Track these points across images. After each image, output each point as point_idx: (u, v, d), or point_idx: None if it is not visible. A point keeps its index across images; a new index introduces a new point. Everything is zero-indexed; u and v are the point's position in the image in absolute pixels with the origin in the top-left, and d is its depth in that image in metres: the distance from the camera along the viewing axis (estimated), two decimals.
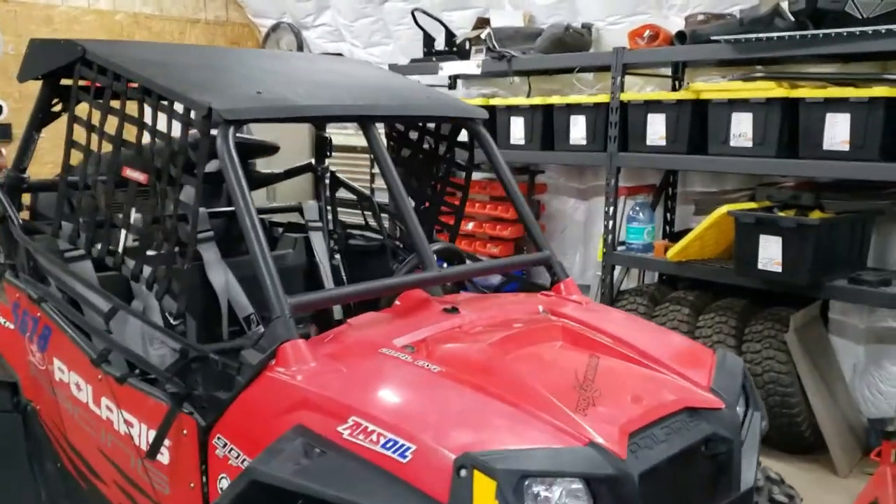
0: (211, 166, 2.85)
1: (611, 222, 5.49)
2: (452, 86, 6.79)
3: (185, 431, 2.63)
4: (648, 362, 2.69)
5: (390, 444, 2.12)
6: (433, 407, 2.29)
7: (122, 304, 2.93)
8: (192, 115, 2.72)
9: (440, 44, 6.73)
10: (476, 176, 3.98)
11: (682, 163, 5.22)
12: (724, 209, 4.72)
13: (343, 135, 7.31)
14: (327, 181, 4.45)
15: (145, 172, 2.87)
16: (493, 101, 6.06)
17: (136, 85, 2.91)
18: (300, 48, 8.40)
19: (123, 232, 2.96)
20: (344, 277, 4.34)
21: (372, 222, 4.44)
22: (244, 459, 2.43)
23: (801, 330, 4.79)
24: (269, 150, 4.38)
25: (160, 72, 2.88)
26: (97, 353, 2.88)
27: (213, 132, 2.68)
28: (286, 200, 4.81)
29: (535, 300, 3.17)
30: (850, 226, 4.64)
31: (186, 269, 2.79)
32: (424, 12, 6.76)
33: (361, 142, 7.37)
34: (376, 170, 7.44)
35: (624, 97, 5.29)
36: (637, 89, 5.90)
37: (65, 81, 3.32)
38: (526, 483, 2.03)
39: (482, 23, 6.52)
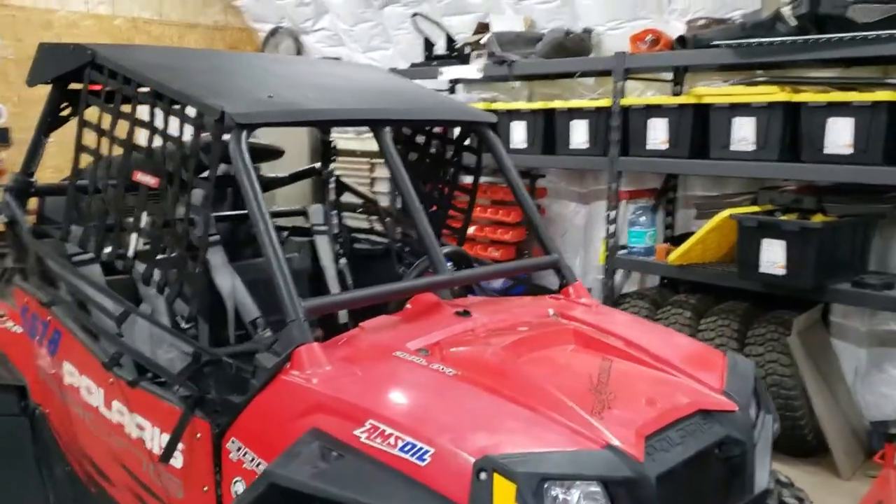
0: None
1: (612, 226, 5.51)
2: (452, 90, 6.82)
3: (198, 435, 2.62)
4: (660, 365, 2.70)
5: (408, 447, 2.12)
6: (450, 410, 2.29)
7: (136, 309, 2.93)
8: (204, 119, 2.72)
9: (440, 48, 6.75)
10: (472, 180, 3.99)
11: (684, 167, 5.23)
12: (726, 213, 4.74)
13: (343, 139, 7.31)
14: (332, 185, 4.45)
15: (156, 176, 2.87)
16: (493, 106, 6.07)
17: (146, 89, 2.91)
18: (299, 53, 8.40)
19: (134, 235, 2.96)
20: (349, 281, 4.34)
21: (377, 226, 4.44)
22: (259, 463, 2.43)
23: (804, 333, 4.80)
24: (275, 154, 4.39)
25: (171, 76, 2.88)
26: (108, 356, 2.88)
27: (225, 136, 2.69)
28: (284, 204, 4.81)
29: (545, 303, 3.18)
30: (853, 229, 4.66)
31: (198, 273, 2.78)
32: (425, 17, 6.77)
33: (361, 146, 7.39)
34: (375, 174, 7.45)
35: (625, 102, 5.31)
36: (637, 94, 5.91)
37: (73, 85, 3.32)
38: (545, 486, 2.04)
39: (483, 27, 6.54)
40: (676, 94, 5.70)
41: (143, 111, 2.96)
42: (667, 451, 2.25)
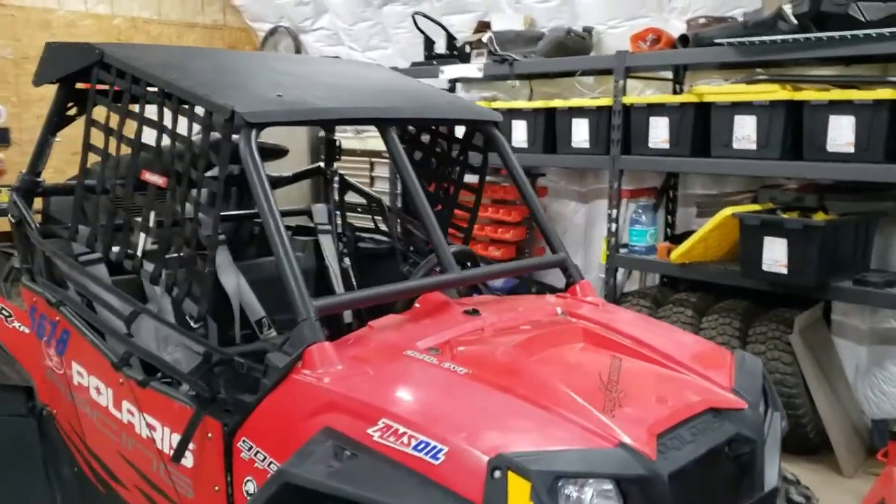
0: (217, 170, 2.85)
1: (614, 225, 5.52)
2: (452, 89, 6.82)
3: (209, 435, 2.63)
4: (670, 363, 2.71)
5: (422, 445, 2.13)
6: (462, 408, 2.29)
7: (146, 309, 2.94)
8: (214, 118, 2.72)
9: (440, 47, 6.75)
10: (474, 179, 3.99)
11: (686, 165, 5.25)
12: (728, 211, 4.75)
13: (343, 138, 7.30)
14: (336, 184, 4.46)
15: (165, 176, 2.87)
16: (494, 105, 6.08)
17: (154, 88, 2.91)
18: (298, 52, 8.40)
19: (143, 235, 2.96)
20: (353, 281, 4.35)
21: (381, 225, 4.44)
22: (271, 462, 2.43)
23: (806, 331, 4.82)
24: (280, 153, 4.39)
25: (180, 75, 2.88)
26: (118, 356, 2.88)
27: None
28: (283, 204, 4.79)
29: (553, 302, 3.19)
30: (855, 227, 4.68)
31: (208, 272, 2.79)
32: (425, 16, 6.77)
33: (360, 145, 7.40)
34: (375, 173, 7.46)
35: (626, 100, 5.32)
36: (637, 93, 5.92)
37: (80, 85, 3.32)
38: (559, 484, 2.04)
39: (483, 26, 6.55)
40: (676, 92, 5.72)
41: (148, 111, 2.96)
42: (678, 449, 2.26)
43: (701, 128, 5.01)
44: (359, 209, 4.52)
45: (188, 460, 2.72)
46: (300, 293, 2.51)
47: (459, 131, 4.13)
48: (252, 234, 4.42)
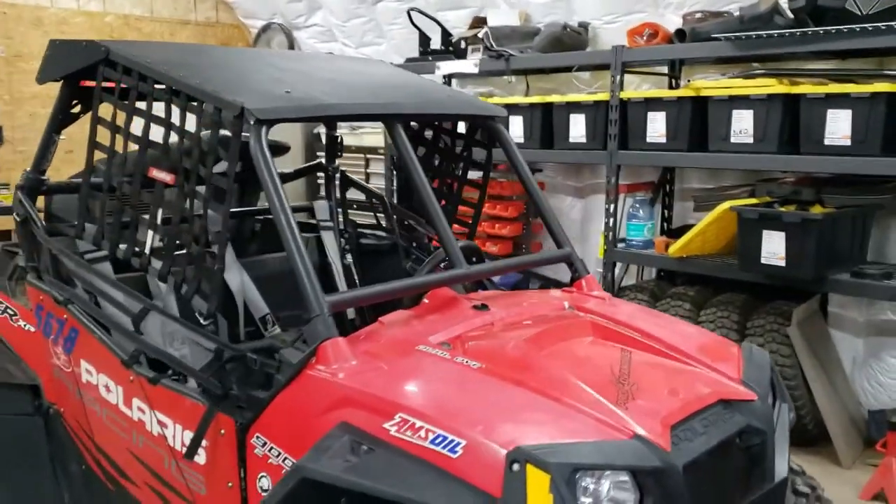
0: (219, 167, 2.85)
1: (611, 219, 5.54)
2: (447, 85, 6.82)
3: (222, 431, 2.63)
4: (678, 355, 2.73)
5: (439, 439, 2.13)
6: (478, 402, 2.30)
7: (155, 306, 2.93)
8: (223, 115, 2.72)
9: (436, 43, 6.75)
10: (474, 175, 4.00)
11: (684, 160, 5.27)
12: (726, 205, 4.77)
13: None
14: (338, 181, 4.46)
15: (172, 173, 2.87)
16: (491, 100, 6.08)
17: (161, 85, 2.91)
18: (291, 48, 8.38)
19: (150, 233, 2.96)
20: (356, 277, 4.35)
21: (383, 221, 4.44)
22: (285, 458, 2.44)
23: (803, 324, 4.85)
24: (282, 149, 4.39)
25: (187, 72, 2.88)
26: (127, 354, 2.88)
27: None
28: None
29: (559, 297, 3.20)
30: (852, 220, 4.72)
31: (218, 269, 2.79)
32: (420, 12, 6.77)
33: (355, 142, 7.39)
34: (371, 169, 7.46)
35: (624, 95, 5.34)
36: (633, 88, 5.94)
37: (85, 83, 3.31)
38: (577, 476, 2.06)
39: (479, 22, 6.56)
40: (673, 87, 5.74)
41: (154, 108, 2.96)
42: (691, 440, 2.28)
43: (698, 122, 5.03)
44: (354, 205, 4.52)
45: (201, 457, 2.72)
46: (313, 289, 2.51)
47: (461, 127, 4.14)
48: (253, 231, 4.42)
